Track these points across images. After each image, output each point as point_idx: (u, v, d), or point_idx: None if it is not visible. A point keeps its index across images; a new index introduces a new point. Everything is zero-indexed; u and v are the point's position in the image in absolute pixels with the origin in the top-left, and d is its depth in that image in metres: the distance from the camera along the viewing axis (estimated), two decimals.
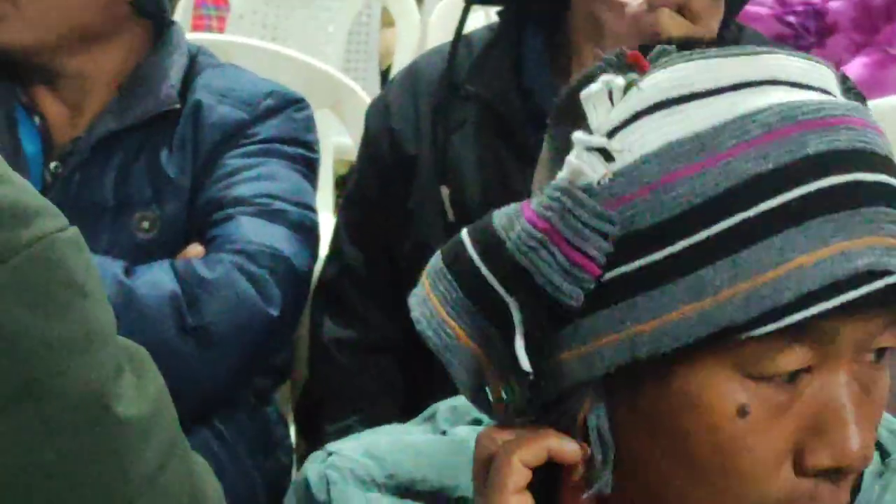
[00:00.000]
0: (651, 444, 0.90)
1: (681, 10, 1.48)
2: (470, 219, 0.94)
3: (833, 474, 0.87)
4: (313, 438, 1.83)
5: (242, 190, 1.79)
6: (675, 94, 0.87)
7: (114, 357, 0.85)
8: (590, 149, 0.87)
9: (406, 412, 1.78)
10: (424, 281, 0.93)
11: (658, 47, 0.91)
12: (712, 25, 1.53)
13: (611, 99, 0.89)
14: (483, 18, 2.72)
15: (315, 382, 1.88)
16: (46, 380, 0.81)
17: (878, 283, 0.84)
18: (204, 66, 1.90)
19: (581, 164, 0.87)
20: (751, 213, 0.84)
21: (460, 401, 1.06)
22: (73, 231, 0.85)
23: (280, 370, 1.95)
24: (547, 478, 0.92)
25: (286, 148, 1.86)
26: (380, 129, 1.80)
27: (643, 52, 0.91)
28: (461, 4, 1.73)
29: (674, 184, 0.85)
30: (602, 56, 0.91)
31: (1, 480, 0.81)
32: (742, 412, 0.86)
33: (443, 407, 1.08)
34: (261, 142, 1.84)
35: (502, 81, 1.71)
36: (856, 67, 2.87)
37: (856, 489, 0.97)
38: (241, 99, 1.86)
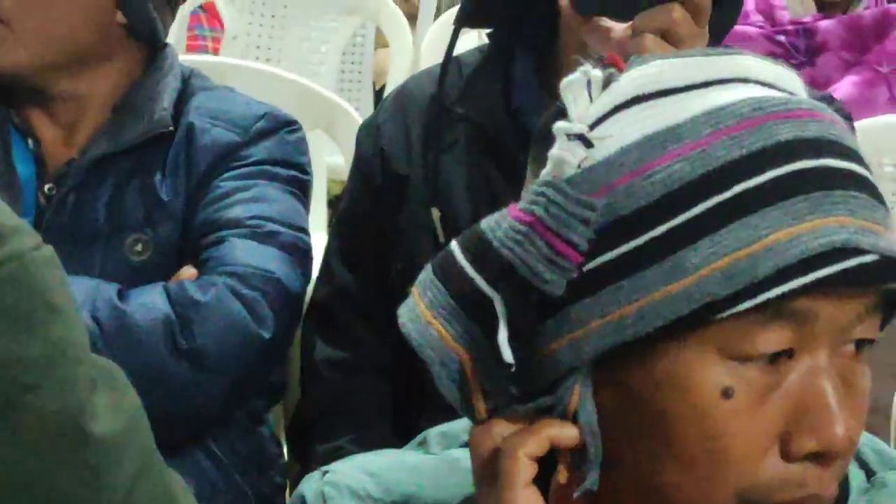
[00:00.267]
0: (639, 433, 0.91)
1: (665, 36, 1.49)
2: None
3: (820, 458, 0.89)
4: (304, 459, 1.83)
5: (235, 212, 1.80)
6: (650, 89, 0.91)
7: (87, 374, 0.85)
8: (570, 136, 0.90)
9: (397, 433, 1.80)
10: (414, 291, 0.94)
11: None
12: None
13: (589, 92, 0.92)
14: (476, 40, 2.72)
15: (307, 403, 1.88)
16: (19, 397, 0.82)
17: (851, 262, 0.86)
18: (197, 88, 1.90)
19: (562, 153, 0.90)
20: (727, 194, 0.87)
21: (451, 426, 1.08)
22: (48, 250, 0.85)
23: (274, 390, 1.95)
24: (542, 474, 0.92)
25: (279, 170, 1.86)
26: (371, 149, 1.80)
27: None
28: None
29: (652, 171, 0.88)
30: (581, 62, 0.94)
31: None
32: (726, 394, 0.88)
33: (433, 433, 1.09)
34: (254, 164, 1.85)
35: (492, 103, 1.72)
36: (846, 86, 2.88)
37: None
38: (233, 121, 1.86)
